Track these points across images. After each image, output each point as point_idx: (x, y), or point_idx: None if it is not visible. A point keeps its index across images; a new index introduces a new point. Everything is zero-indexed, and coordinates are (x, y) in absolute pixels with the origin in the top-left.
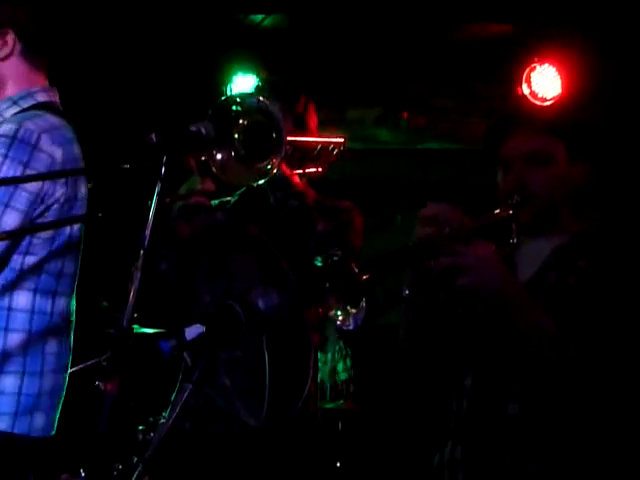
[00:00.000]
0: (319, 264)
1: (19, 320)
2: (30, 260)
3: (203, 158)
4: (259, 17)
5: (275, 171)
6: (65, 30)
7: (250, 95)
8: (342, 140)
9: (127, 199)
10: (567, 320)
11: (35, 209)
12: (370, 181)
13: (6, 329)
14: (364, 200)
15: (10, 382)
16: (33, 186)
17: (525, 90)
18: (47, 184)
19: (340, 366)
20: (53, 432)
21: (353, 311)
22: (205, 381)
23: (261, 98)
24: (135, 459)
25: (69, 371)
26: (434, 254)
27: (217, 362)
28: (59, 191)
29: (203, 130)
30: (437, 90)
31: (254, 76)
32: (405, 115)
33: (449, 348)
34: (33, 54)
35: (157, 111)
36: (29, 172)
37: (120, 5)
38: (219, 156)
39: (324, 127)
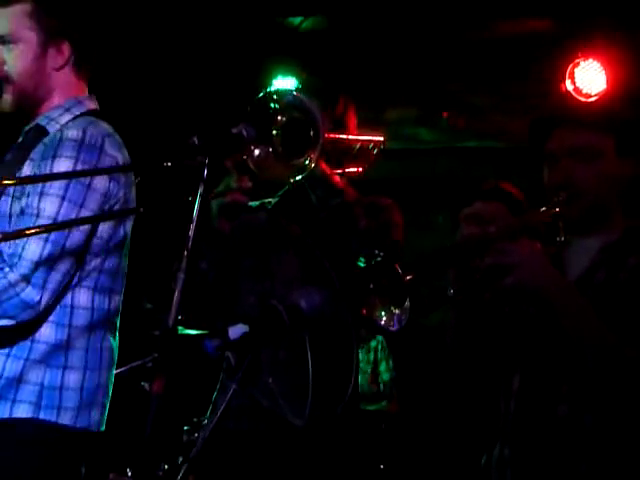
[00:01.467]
0: (362, 265)
1: (81, 317)
2: (92, 260)
3: (244, 157)
4: (298, 20)
5: (312, 166)
6: (112, 37)
7: (287, 92)
8: (381, 138)
9: (169, 200)
10: (617, 317)
11: (103, 209)
12: (410, 181)
13: (70, 325)
14: (404, 200)
15: (74, 377)
16: (102, 187)
17: (569, 86)
18: (112, 185)
19: (382, 366)
20: (103, 427)
21: (397, 311)
22: (249, 381)
23: (298, 94)
24: (181, 459)
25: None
26: (479, 253)
27: (261, 362)
28: (121, 191)
29: (244, 132)
30: (476, 89)
31: (294, 78)
32: (445, 114)
33: (496, 348)
34: (82, 64)
35: (199, 114)
36: (98, 174)
37: (163, 10)
38: (257, 152)
39: (363, 127)
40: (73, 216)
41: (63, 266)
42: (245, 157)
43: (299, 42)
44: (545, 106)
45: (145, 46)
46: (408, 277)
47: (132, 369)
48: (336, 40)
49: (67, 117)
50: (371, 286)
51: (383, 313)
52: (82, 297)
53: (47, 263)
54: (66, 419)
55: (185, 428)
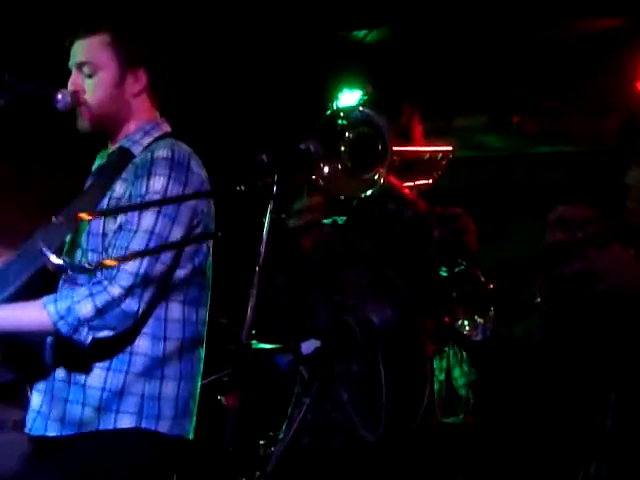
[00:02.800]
0: (444, 274)
1: (174, 329)
2: (181, 273)
3: (313, 176)
4: (362, 33)
5: (382, 181)
6: (180, 58)
7: (354, 108)
8: (450, 149)
9: (243, 217)
10: None
11: (192, 222)
12: (481, 189)
13: (165, 338)
14: (476, 209)
15: (170, 387)
16: (191, 203)
17: None
18: (200, 200)
19: (457, 372)
20: (192, 436)
21: (481, 321)
22: (323, 395)
23: (366, 109)
24: (258, 474)
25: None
26: (566, 260)
27: (334, 377)
28: (206, 206)
29: (312, 147)
30: (546, 92)
31: (360, 91)
32: (515, 120)
33: (589, 360)
34: (156, 90)
35: (267, 130)
36: (188, 190)
37: (230, 27)
38: (326, 169)
39: (431, 137)
40: (167, 229)
41: (158, 279)
42: (314, 175)
43: (364, 54)
44: (619, 106)
45: (211, 64)
46: (491, 285)
47: (209, 384)
48: (401, 51)
49: (148, 139)
50: (454, 295)
51: (467, 322)
52: (174, 310)
53: (145, 276)
54: (164, 427)
55: (261, 442)
